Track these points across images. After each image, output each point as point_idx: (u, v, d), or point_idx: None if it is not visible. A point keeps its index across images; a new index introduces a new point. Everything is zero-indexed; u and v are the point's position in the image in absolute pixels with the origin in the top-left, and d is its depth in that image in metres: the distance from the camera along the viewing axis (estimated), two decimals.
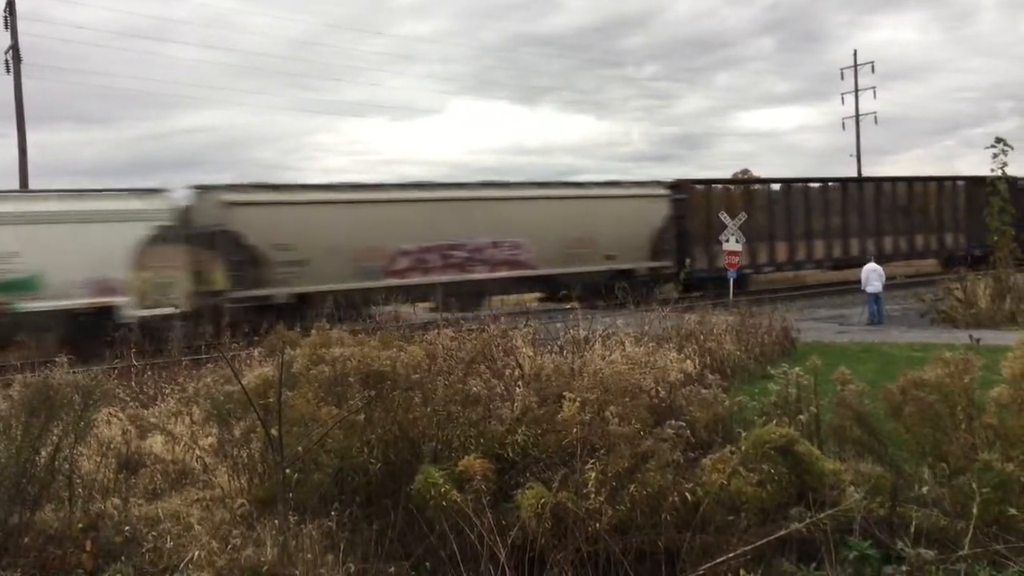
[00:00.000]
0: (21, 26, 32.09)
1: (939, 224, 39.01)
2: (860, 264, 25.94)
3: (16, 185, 30.59)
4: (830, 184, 38.75)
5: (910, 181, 39.46)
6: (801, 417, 7.48)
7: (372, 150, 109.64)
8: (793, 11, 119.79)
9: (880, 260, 26.30)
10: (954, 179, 40.40)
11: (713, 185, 34.88)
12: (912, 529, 5.80)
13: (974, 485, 5.85)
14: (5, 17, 31.94)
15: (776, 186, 37.17)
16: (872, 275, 22.60)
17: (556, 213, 28.68)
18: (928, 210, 38.69)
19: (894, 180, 39.45)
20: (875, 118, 55.16)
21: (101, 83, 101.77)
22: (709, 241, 30.36)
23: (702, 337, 14.25)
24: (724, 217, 26.30)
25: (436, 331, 13.40)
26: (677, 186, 32.01)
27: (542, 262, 28.06)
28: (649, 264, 29.91)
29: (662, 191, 31.48)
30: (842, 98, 56.03)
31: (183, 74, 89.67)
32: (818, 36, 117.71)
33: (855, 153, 55.69)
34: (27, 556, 6.36)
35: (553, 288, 27.43)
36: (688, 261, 29.66)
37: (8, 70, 31.83)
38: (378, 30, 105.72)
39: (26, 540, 6.50)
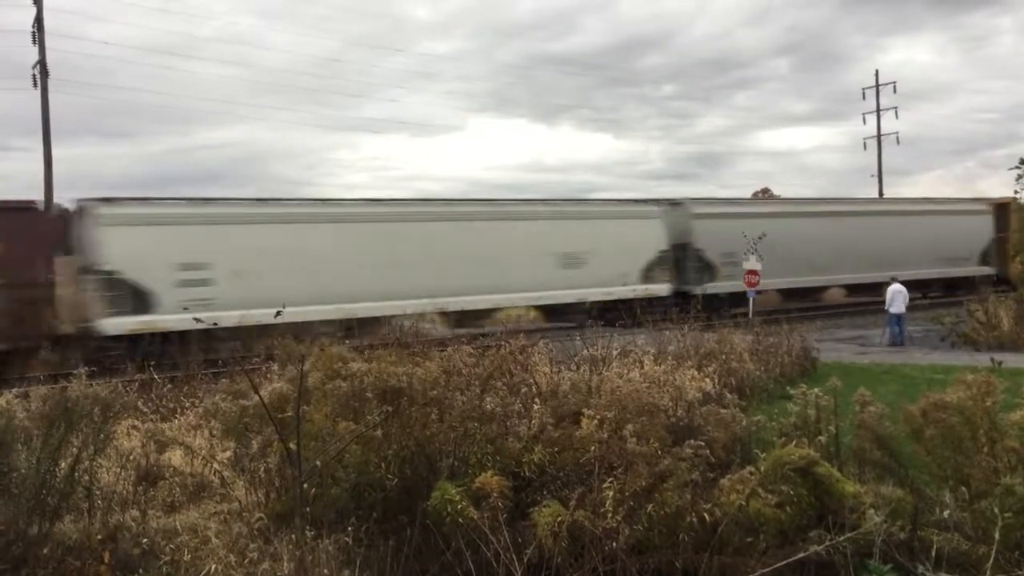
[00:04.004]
0: (49, 42, 32.53)
1: None
2: None
3: (41, 199, 30.51)
4: None
5: None
6: (821, 438, 7.42)
7: (392, 166, 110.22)
8: (809, 33, 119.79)
9: None
10: None
11: None
12: (933, 553, 5.73)
13: (996, 509, 5.77)
14: (33, 33, 32.37)
15: None
16: (897, 296, 22.34)
17: None
18: None
19: None
20: (897, 138, 54.95)
21: (126, 98, 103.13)
22: None
23: (723, 356, 14.17)
24: (744, 237, 26.08)
25: (453, 347, 13.37)
26: None
27: None
28: None
29: None
30: (863, 118, 55.79)
31: (206, 90, 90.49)
32: (834, 57, 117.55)
33: (876, 173, 55.49)
34: (46, 567, 6.40)
35: None
36: None
37: (36, 85, 32.25)
38: (398, 48, 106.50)
39: (45, 551, 6.53)
